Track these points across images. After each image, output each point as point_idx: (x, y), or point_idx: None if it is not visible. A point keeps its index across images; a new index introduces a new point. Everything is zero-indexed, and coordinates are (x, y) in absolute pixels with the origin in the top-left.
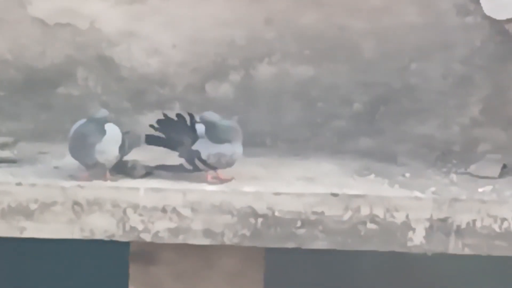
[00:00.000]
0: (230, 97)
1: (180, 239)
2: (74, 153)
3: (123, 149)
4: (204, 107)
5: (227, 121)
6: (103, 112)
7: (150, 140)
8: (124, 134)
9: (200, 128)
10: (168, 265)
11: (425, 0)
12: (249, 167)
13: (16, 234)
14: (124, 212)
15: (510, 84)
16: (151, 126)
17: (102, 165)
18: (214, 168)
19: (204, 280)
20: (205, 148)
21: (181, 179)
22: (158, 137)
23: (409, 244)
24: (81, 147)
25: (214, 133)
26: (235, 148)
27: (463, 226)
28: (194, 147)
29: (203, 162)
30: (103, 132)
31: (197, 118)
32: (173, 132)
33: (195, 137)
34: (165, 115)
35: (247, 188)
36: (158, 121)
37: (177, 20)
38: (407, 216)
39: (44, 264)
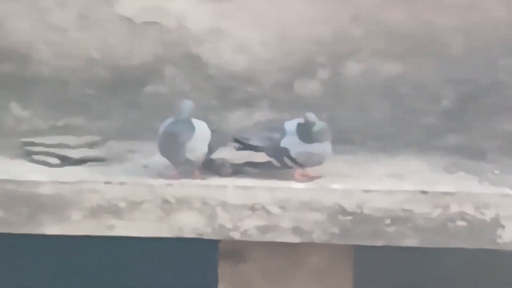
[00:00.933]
0: (318, 95)
1: (269, 237)
2: (164, 151)
3: (212, 146)
4: (292, 105)
5: (321, 122)
6: (187, 104)
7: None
8: (212, 131)
9: (289, 125)
10: (257, 263)
11: None
12: (338, 164)
13: (105, 232)
14: (213, 210)
15: None
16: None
17: (191, 163)
18: (302, 166)
19: (293, 278)
20: (294, 146)
21: (270, 177)
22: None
23: (499, 241)
24: (172, 145)
25: (308, 134)
26: (325, 148)
27: None
28: (283, 144)
29: (292, 159)
30: (193, 129)
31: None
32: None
33: (283, 133)
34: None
35: (335, 186)
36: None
37: (265, 17)
38: (496, 213)
39: (132, 262)
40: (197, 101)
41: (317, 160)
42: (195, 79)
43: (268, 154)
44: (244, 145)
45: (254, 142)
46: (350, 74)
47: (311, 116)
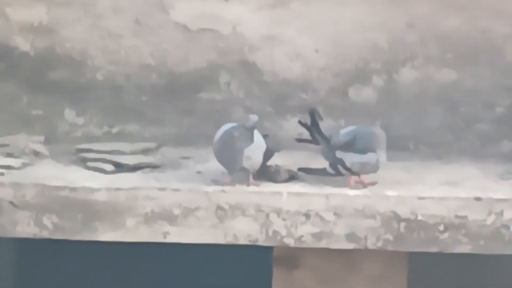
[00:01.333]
0: (373, 101)
1: (323, 244)
2: (221, 157)
3: (266, 155)
4: (347, 112)
5: (372, 128)
6: (253, 117)
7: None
8: (264, 137)
9: (344, 134)
10: (311, 270)
11: None
12: (392, 171)
13: (159, 239)
14: (267, 216)
15: None
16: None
17: (246, 170)
18: (357, 174)
19: (347, 284)
20: (348, 156)
21: (324, 184)
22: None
23: None
24: (229, 151)
25: (357, 144)
26: (379, 156)
27: None
28: (338, 155)
29: (347, 169)
30: (251, 138)
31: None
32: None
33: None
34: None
35: (390, 192)
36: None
37: (319, 24)
38: None
39: (186, 269)
40: (252, 108)
41: (371, 169)
42: (250, 85)
43: (324, 156)
44: (309, 130)
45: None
46: (405, 81)
47: (343, 134)
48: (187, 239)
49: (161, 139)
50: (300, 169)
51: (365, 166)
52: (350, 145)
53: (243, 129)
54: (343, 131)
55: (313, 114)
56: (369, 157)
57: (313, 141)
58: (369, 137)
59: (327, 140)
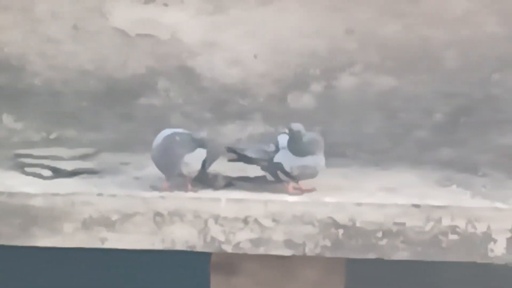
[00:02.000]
0: (312, 108)
1: (261, 250)
2: (159, 161)
3: (205, 162)
4: (285, 118)
5: (310, 133)
6: (203, 134)
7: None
8: (207, 147)
9: (282, 139)
10: (249, 276)
11: (506, 10)
12: (331, 178)
13: (97, 244)
14: (206, 223)
15: None
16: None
17: (184, 177)
18: (296, 179)
19: None
20: (287, 160)
21: (262, 190)
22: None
23: (490, 255)
24: (169, 156)
25: (297, 146)
26: (318, 160)
27: None
28: (276, 160)
29: (286, 174)
30: (194, 146)
31: (285, 129)
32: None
33: (276, 147)
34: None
35: (328, 199)
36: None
37: (258, 30)
38: (488, 227)
39: (124, 275)
40: (190, 114)
41: (310, 173)
42: (189, 91)
43: (262, 167)
44: (239, 156)
45: (248, 153)
46: (344, 88)
47: (295, 126)
48: (125, 244)
49: (99, 145)
50: (238, 178)
51: (304, 169)
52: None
53: (181, 135)
54: (281, 137)
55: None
56: (308, 160)
57: (244, 159)
58: (309, 140)
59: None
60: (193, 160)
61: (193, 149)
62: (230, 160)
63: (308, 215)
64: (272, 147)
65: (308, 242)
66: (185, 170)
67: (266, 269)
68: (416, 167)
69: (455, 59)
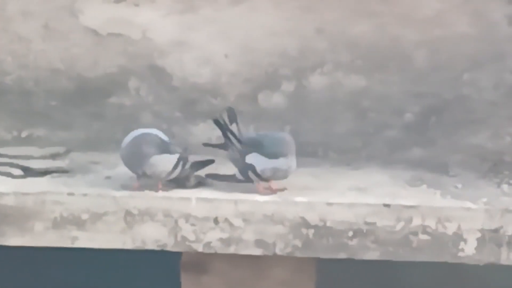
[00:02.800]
0: (282, 107)
1: (231, 250)
2: (127, 160)
3: (178, 168)
4: (256, 117)
5: (281, 134)
6: (178, 149)
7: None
8: (182, 153)
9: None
10: (220, 275)
11: (476, 10)
12: (301, 177)
13: (67, 244)
14: (176, 222)
15: None
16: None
17: (150, 178)
18: (267, 180)
19: None
20: (259, 162)
21: (233, 190)
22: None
23: (461, 254)
24: (136, 155)
25: (268, 148)
26: (289, 162)
27: None
28: (248, 161)
29: (257, 175)
30: (162, 148)
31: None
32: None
33: (248, 150)
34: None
35: (299, 199)
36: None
37: (229, 30)
38: (458, 227)
39: (95, 274)
40: (161, 113)
41: (282, 175)
42: (159, 91)
43: (234, 163)
44: (222, 130)
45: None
46: (314, 87)
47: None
48: (96, 244)
49: (70, 144)
50: (209, 176)
51: (276, 172)
52: (258, 145)
53: (151, 135)
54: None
55: (231, 112)
56: (280, 162)
57: (222, 145)
58: (280, 142)
59: (239, 141)
60: (161, 163)
61: (161, 151)
62: (205, 145)
63: (278, 215)
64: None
65: (278, 241)
66: (149, 171)
67: (236, 269)
68: (387, 167)
69: (426, 59)
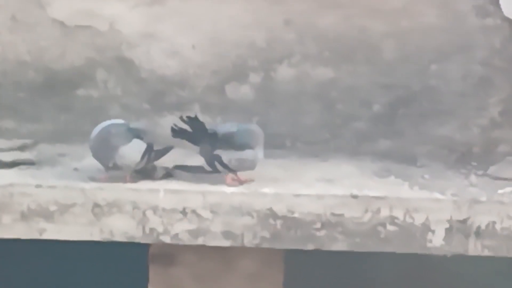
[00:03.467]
0: (250, 99)
1: (199, 241)
2: (96, 152)
3: (148, 156)
4: (224, 109)
5: (248, 125)
6: (140, 124)
7: (176, 133)
8: (148, 143)
9: (221, 130)
10: (188, 267)
11: (444, 1)
12: (269, 169)
13: (35, 235)
14: (144, 214)
15: None
16: (181, 119)
17: (120, 169)
18: (234, 171)
19: (224, 281)
20: (226, 152)
21: (201, 181)
22: (184, 130)
23: (429, 245)
24: (104, 148)
25: (235, 140)
26: (256, 153)
27: (483, 227)
28: (215, 151)
29: (224, 166)
30: (129, 137)
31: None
32: (196, 132)
33: (215, 143)
34: (189, 117)
35: (266, 190)
36: (187, 119)
37: (197, 21)
38: (426, 218)
39: (63, 266)
40: (129, 105)
41: (248, 166)
42: (127, 82)
43: (201, 155)
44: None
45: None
46: (282, 79)
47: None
48: (64, 235)
49: (37, 136)
50: (176, 167)
51: (243, 163)
52: (229, 138)
53: (123, 127)
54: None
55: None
56: (247, 154)
57: (190, 138)
58: (247, 134)
59: (208, 136)
60: (129, 152)
61: (129, 141)
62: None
63: (246, 206)
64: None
65: (246, 233)
66: (120, 162)
67: (204, 260)
68: (355, 158)
69: (394, 50)
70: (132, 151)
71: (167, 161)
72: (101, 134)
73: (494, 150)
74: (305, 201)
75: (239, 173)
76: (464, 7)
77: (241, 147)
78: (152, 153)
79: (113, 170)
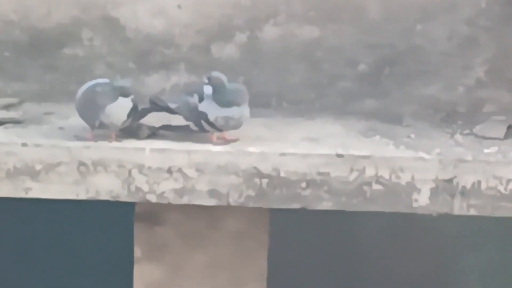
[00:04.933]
0: (235, 58)
1: (185, 200)
2: (82, 112)
3: (133, 115)
4: (209, 68)
5: (234, 84)
6: (125, 82)
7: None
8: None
9: (207, 89)
10: (173, 226)
11: None
12: (254, 128)
13: (21, 194)
14: (130, 173)
15: None
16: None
17: (107, 127)
18: (220, 130)
19: (209, 240)
20: (212, 110)
21: (186, 140)
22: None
23: (414, 205)
24: (91, 106)
25: (222, 96)
26: (242, 111)
27: (468, 187)
28: (201, 109)
29: (210, 124)
30: (115, 95)
31: (204, 79)
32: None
33: (201, 96)
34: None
35: (252, 149)
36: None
37: None
38: (412, 177)
39: (48, 225)
40: (114, 64)
41: (235, 124)
42: (113, 42)
43: (185, 118)
44: (160, 108)
45: (171, 105)
46: (268, 38)
47: (215, 74)
48: (49, 194)
49: (23, 95)
50: (162, 127)
51: (228, 120)
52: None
53: (107, 87)
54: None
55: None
56: (233, 111)
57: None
58: (234, 91)
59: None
60: (115, 111)
61: (115, 99)
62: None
63: (232, 165)
64: (195, 98)
65: (232, 192)
66: (107, 121)
67: (190, 219)
68: (340, 118)
69: (379, 9)
70: (118, 109)
71: (153, 120)
72: (87, 94)
73: (480, 110)
74: (291, 160)
75: (225, 132)
76: None
77: (228, 104)
78: (137, 110)
79: (99, 129)
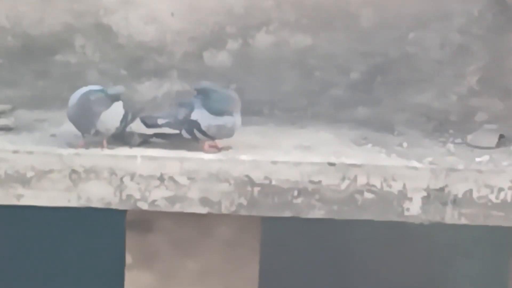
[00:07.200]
0: (228, 66)
1: (176, 208)
2: (76, 119)
3: (125, 121)
4: (201, 76)
5: (226, 91)
6: (118, 89)
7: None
8: (126, 109)
9: (196, 102)
10: (165, 234)
11: None
12: (247, 136)
13: (12, 201)
14: (121, 180)
15: (507, 54)
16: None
17: (100, 134)
18: (212, 138)
19: (201, 248)
20: (204, 119)
21: (178, 148)
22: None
23: (406, 213)
24: (85, 114)
25: (214, 105)
26: (235, 119)
27: (460, 196)
28: (193, 117)
29: (202, 132)
30: (109, 102)
31: (193, 91)
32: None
33: (193, 105)
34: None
35: (244, 157)
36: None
37: None
38: (404, 186)
39: (40, 232)
40: (106, 71)
41: (227, 132)
42: (105, 49)
43: (177, 129)
44: (150, 126)
45: (161, 121)
46: (260, 46)
47: (207, 85)
48: (41, 202)
49: (15, 102)
50: (154, 134)
51: (221, 129)
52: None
53: (101, 94)
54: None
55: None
56: (226, 120)
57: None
58: (226, 99)
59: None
60: (110, 118)
61: (109, 106)
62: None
63: (224, 173)
64: (186, 109)
65: (224, 200)
66: (102, 128)
67: (181, 227)
68: (332, 126)
69: (371, 17)
70: (112, 116)
71: (144, 127)
72: (81, 102)
73: (472, 119)
74: (283, 168)
75: (217, 140)
76: None
77: (220, 112)
78: (129, 115)
79: (94, 136)
